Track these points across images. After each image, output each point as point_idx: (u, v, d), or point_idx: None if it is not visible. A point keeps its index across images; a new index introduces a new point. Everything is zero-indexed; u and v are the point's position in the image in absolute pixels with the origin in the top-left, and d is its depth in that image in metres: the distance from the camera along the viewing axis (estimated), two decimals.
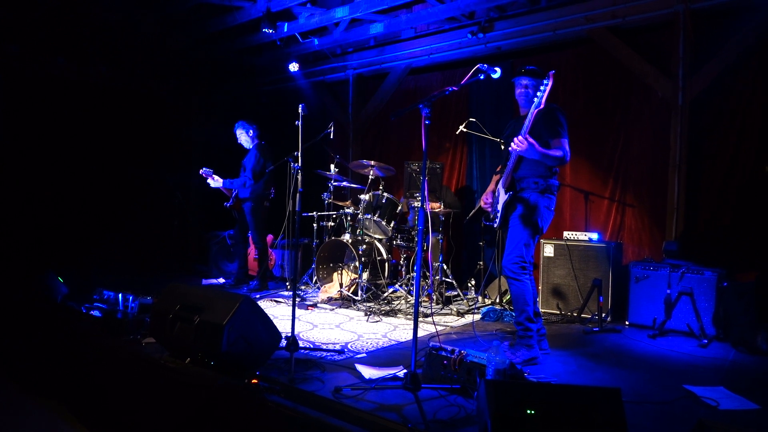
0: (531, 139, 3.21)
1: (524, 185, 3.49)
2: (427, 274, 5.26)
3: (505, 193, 3.57)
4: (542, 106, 3.27)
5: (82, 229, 7.08)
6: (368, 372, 3.05)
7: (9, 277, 4.50)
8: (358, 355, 3.46)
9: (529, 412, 1.95)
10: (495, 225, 3.72)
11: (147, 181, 7.78)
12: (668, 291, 4.26)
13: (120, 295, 4.12)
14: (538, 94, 3.24)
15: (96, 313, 3.94)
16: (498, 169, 3.86)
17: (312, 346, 3.65)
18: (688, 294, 4.16)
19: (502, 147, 3.82)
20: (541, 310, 4.85)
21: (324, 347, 3.63)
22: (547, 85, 3.22)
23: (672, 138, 4.86)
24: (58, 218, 6.88)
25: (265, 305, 5.09)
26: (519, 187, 3.51)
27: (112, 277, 5.95)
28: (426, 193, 2.87)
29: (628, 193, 5.33)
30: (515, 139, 3.23)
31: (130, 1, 6.09)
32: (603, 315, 4.44)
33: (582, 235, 4.86)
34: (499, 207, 3.62)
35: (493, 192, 3.77)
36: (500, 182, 3.65)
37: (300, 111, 3.57)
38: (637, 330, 4.35)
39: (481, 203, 3.85)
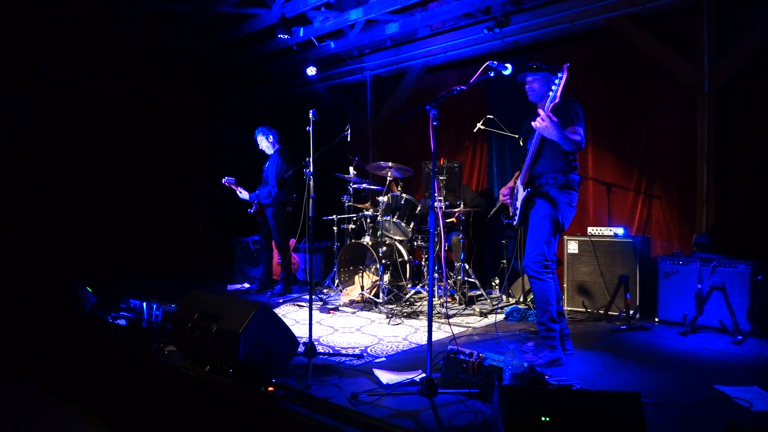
0: (553, 117, 3.13)
1: (543, 181, 3.42)
2: (450, 274, 5.20)
3: (524, 190, 3.49)
4: (557, 100, 3.18)
5: (110, 238, 7.30)
6: (386, 377, 3.02)
7: (39, 287, 4.64)
8: (377, 360, 3.44)
9: (543, 419, 1.90)
10: (514, 222, 3.64)
11: (172, 190, 7.96)
12: (699, 286, 4.11)
13: (145, 303, 4.20)
14: (553, 87, 3.15)
15: (122, 321, 4.03)
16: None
17: (331, 351, 3.64)
18: (720, 288, 4.00)
19: (521, 143, 3.75)
20: (566, 308, 4.74)
21: (343, 352, 3.62)
22: (561, 78, 3.13)
23: (699, 127, 4.69)
24: (87, 227, 7.10)
25: (289, 309, 5.12)
26: (537, 183, 3.44)
27: (140, 284, 6.10)
28: (436, 193, 2.82)
29: (655, 185, 5.16)
30: (539, 111, 3.16)
31: (150, 15, 6.22)
32: (631, 312, 4.31)
33: (607, 231, 4.73)
34: (518, 204, 3.55)
35: (512, 188, 3.71)
36: (519, 179, 3.58)
37: (311, 117, 3.56)
38: (666, 327, 4.20)
39: (500, 197, 3.79)
